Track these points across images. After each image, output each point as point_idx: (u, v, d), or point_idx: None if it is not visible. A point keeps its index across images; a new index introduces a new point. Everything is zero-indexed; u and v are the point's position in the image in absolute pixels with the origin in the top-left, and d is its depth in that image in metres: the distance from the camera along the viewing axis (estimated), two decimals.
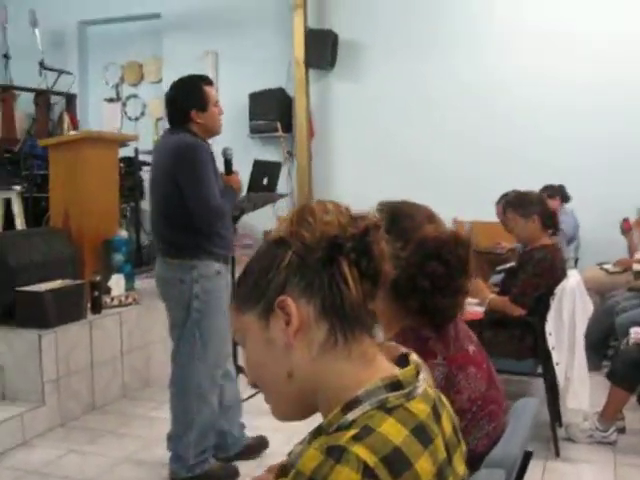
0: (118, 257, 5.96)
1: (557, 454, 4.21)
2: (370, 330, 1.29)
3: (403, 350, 1.43)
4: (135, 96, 9.44)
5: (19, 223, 7.18)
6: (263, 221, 7.52)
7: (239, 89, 8.47)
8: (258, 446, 4.24)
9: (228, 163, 4.11)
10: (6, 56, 8.73)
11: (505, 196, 5.70)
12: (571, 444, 4.37)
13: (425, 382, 1.28)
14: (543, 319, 4.25)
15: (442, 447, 1.22)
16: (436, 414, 1.25)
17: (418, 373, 1.27)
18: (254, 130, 8.56)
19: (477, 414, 1.81)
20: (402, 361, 1.32)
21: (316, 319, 1.23)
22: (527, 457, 2.00)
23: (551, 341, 4.22)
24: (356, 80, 8.31)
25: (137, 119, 9.41)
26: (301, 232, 1.23)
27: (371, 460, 1.07)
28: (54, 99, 9.00)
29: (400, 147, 8.07)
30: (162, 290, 3.96)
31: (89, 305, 5.29)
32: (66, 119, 8.84)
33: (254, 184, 5.03)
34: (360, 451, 1.08)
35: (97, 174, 5.90)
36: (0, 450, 4.34)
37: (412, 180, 7.90)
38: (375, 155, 8.21)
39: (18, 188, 7.05)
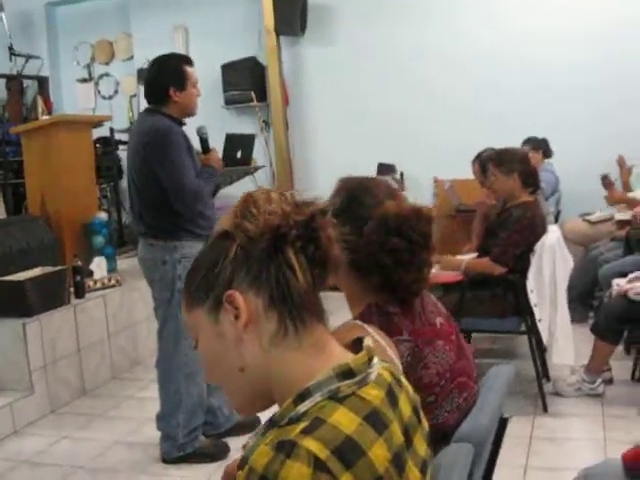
0: (99, 239, 5.94)
1: (545, 409, 4.24)
2: (321, 317, 1.28)
3: (358, 334, 1.43)
4: (107, 75, 9.33)
5: None
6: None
7: (211, 61, 8.35)
8: (249, 423, 4.25)
9: (204, 142, 4.05)
10: None
11: (481, 155, 5.69)
12: (559, 398, 4.40)
13: (380, 366, 1.27)
14: (524, 277, 4.26)
15: (399, 431, 1.21)
16: (392, 398, 1.24)
17: (371, 358, 1.26)
18: (229, 101, 8.48)
19: (446, 387, 1.81)
20: (357, 346, 1.31)
21: (265, 311, 1.22)
22: (503, 424, 2.01)
23: (533, 298, 4.23)
24: (328, 45, 8.23)
25: (111, 97, 9.31)
26: (244, 224, 1.22)
27: (322, 453, 1.07)
28: (26, 83, 8.92)
29: (376, 111, 8.01)
30: (145, 271, 3.95)
31: (72, 290, 5.28)
32: (40, 103, 8.75)
33: (228, 158, 5.00)
34: (310, 444, 1.07)
35: (72, 157, 5.85)
36: None
37: (390, 144, 7.90)
38: (351, 120, 8.14)
39: None
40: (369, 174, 6.86)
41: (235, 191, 6.89)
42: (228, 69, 8.41)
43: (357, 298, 1.90)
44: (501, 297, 4.35)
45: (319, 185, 8.27)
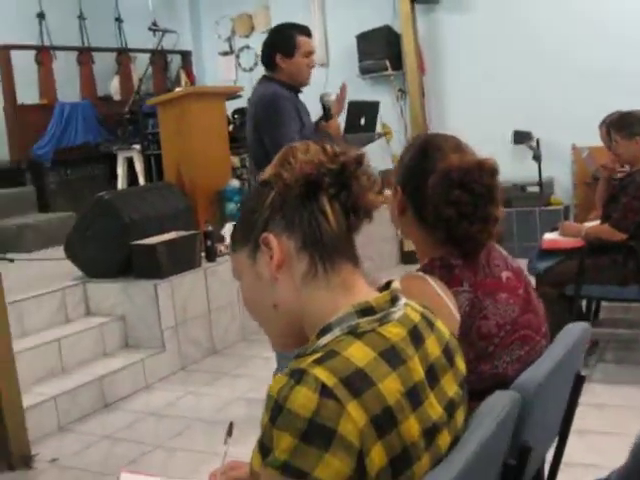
0: (231, 206, 6.16)
1: None
2: (352, 260, 1.34)
3: (417, 285, 1.47)
4: (247, 47, 9.55)
5: (142, 181, 7.50)
6: (378, 163, 7.52)
7: (346, 32, 8.45)
8: None
9: (326, 109, 4.12)
10: (118, 19, 9.03)
11: (606, 119, 5.50)
12: None
13: (407, 307, 1.32)
14: None
15: (419, 368, 1.26)
16: (416, 337, 1.29)
17: (395, 299, 1.31)
18: (364, 71, 8.53)
19: (506, 339, 1.81)
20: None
21: (297, 252, 1.30)
22: (579, 381, 2.00)
23: None
24: (464, 11, 8.11)
25: (251, 70, 9.53)
26: (281, 172, 1.31)
27: (330, 381, 1.13)
28: (170, 57, 9.28)
29: (512, 78, 7.83)
30: None
31: (203, 254, 5.50)
32: (183, 76, 9.10)
33: (350, 125, 5.04)
34: (319, 372, 1.14)
35: (205, 127, 6.07)
36: (124, 394, 4.63)
37: (526, 111, 7.71)
38: (487, 87, 8.00)
39: (138, 147, 7.35)
40: (505, 141, 6.80)
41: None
42: (363, 39, 8.44)
43: (425, 251, 1.94)
44: (621, 264, 4.23)
45: None
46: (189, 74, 9.23)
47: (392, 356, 1.22)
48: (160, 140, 6.47)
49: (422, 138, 2.05)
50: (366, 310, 1.25)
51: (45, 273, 5.64)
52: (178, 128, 5.96)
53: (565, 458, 3.16)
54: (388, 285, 1.36)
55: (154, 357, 4.89)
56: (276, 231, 1.30)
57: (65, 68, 8.37)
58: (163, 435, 4.01)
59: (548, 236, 4.78)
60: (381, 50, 8.38)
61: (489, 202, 1.87)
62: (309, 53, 3.94)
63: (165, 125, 6.14)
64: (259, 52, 9.45)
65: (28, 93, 8.03)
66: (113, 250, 5.18)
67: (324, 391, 1.12)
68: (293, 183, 1.29)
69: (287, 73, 3.88)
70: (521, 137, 7.65)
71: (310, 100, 4.02)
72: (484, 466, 1.44)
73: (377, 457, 1.14)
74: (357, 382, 1.15)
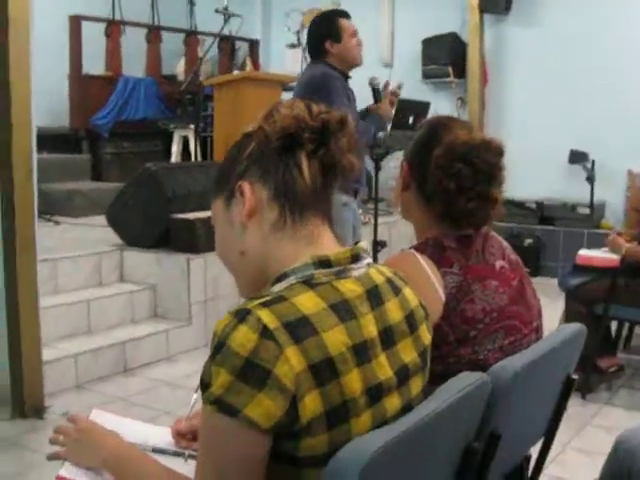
0: None
1: None
2: (322, 215, 1.36)
3: (407, 261, 1.49)
4: None
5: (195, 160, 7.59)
6: None
7: (413, 35, 8.46)
8: None
9: (376, 92, 4.19)
10: (191, 2, 9.15)
11: None
12: None
13: (371, 267, 1.35)
14: None
15: (372, 327, 1.28)
16: (375, 297, 1.31)
17: (357, 257, 1.33)
18: (427, 75, 8.54)
19: (490, 326, 1.81)
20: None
21: (269, 202, 1.33)
22: (569, 382, 1.98)
23: None
24: (532, 26, 8.05)
25: None
26: (264, 126, 1.35)
27: (272, 323, 1.16)
28: (238, 45, 9.38)
29: (575, 96, 7.73)
30: None
31: None
32: (248, 64, 9.18)
33: (398, 122, 5.05)
34: (263, 314, 1.17)
35: (257, 112, 6.10)
36: (145, 361, 4.71)
37: (585, 131, 7.60)
38: (548, 104, 7.92)
39: (192, 127, 7.45)
40: (560, 159, 6.69)
41: None
42: (429, 43, 8.46)
43: (422, 230, 1.96)
44: None
45: (509, 166, 8.15)
46: (255, 62, 9.31)
47: (342, 310, 1.24)
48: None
49: (435, 118, 2.07)
50: (323, 262, 1.27)
51: (86, 237, 5.78)
52: (231, 110, 6.03)
53: (568, 475, 3.15)
54: (356, 244, 1.38)
55: (179, 329, 4.96)
56: (251, 180, 1.34)
57: (133, 43, 8.52)
58: (173, 403, 4.07)
59: (583, 252, 4.73)
60: (445, 56, 8.38)
61: (490, 181, 1.88)
62: (354, 32, 4.03)
63: (219, 106, 6.22)
64: None
65: (94, 64, 8.19)
66: (152, 221, 5.26)
67: (265, 332, 1.15)
68: (272, 135, 1.32)
69: (338, 57, 3.95)
70: (577, 157, 7.56)
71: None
72: (438, 441, 1.44)
73: (312, 404, 1.16)
74: (300, 328, 1.17)
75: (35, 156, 3.84)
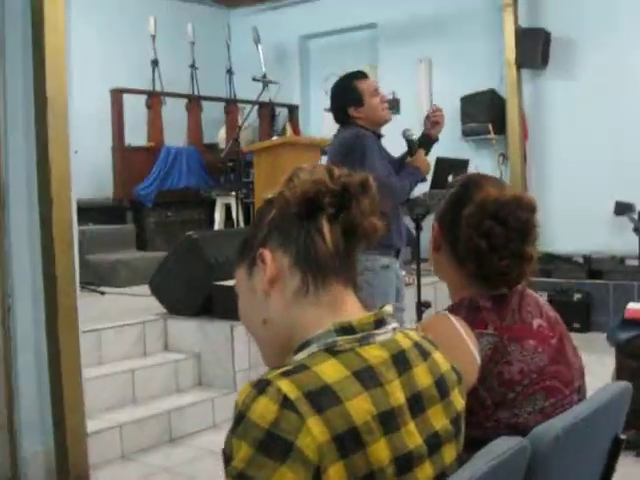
0: None
1: None
2: (345, 281, 1.34)
3: (441, 324, 1.45)
4: None
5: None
6: None
7: (452, 93, 8.48)
8: None
9: (410, 143, 4.11)
10: (229, 71, 9.32)
11: None
12: None
13: (397, 332, 1.31)
14: None
15: (399, 394, 1.24)
16: (402, 362, 1.27)
17: (381, 321, 1.30)
18: (466, 133, 8.54)
19: (529, 387, 1.75)
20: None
21: (290, 269, 1.31)
22: (617, 443, 1.90)
23: None
24: (571, 79, 8.02)
25: None
26: (284, 191, 1.34)
27: (293, 393, 1.13)
28: (278, 110, 9.50)
29: (617, 148, 7.65)
30: None
31: None
32: (289, 129, 9.28)
33: (437, 181, 5.04)
34: (284, 384, 1.14)
35: None
36: (191, 430, 4.67)
37: (629, 182, 7.49)
38: (591, 156, 7.83)
39: (234, 194, 7.52)
40: (606, 212, 6.59)
41: None
42: (467, 101, 8.47)
43: (456, 290, 1.93)
44: None
45: (553, 221, 8.08)
46: (294, 127, 9.40)
47: (367, 377, 1.20)
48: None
49: (465, 176, 2.05)
50: (346, 329, 1.25)
51: (131, 307, 5.82)
52: (270, 175, 6.07)
53: None
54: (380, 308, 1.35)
55: (225, 397, 4.92)
56: (272, 247, 1.32)
57: (174, 113, 8.68)
58: (218, 473, 4.01)
59: (633, 305, 4.63)
60: (485, 113, 8.37)
61: (523, 238, 1.84)
62: (375, 91, 3.99)
63: (259, 172, 6.28)
64: None
65: (136, 135, 8.35)
66: (195, 289, 5.28)
67: (285, 403, 1.12)
68: (292, 200, 1.30)
69: (365, 120, 3.94)
70: (623, 208, 7.46)
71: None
72: None
73: (336, 476, 1.12)
74: (322, 398, 1.14)
75: (76, 228, 3.90)
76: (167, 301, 5.41)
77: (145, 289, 5.95)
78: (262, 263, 1.32)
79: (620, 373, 4.22)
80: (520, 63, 8.04)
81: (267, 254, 1.32)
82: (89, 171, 7.98)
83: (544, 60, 8.03)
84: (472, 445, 1.47)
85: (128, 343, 5.05)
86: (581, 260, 7.70)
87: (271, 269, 1.31)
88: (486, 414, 1.73)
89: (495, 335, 1.78)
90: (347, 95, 3.97)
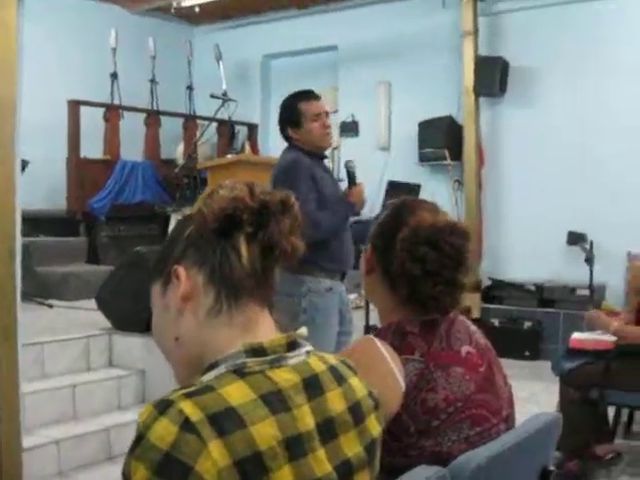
0: None
1: None
2: (260, 300, 1.31)
3: (365, 347, 1.43)
4: None
5: None
6: None
7: (410, 118, 8.53)
8: None
9: (350, 175, 4.10)
10: (190, 87, 9.29)
11: None
12: None
13: (311, 356, 1.29)
14: None
15: (309, 419, 1.21)
16: (313, 387, 1.25)
17: (294, 343, 1.27)
18: (423, 158, 8.58)
19: (455, 415, 1.74)
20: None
21: (205, 287, 1.29)
22: (545, 475, 1.88)
23: None
24: (528, 107, 8.11)
25: None
26: (202, 208, 1.30)
27: (195, 416, 1.10)
28: (237, 128, 9.48)
29: (572, 177, 7.74)
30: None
31: None
32: (247, 148, 9.25)
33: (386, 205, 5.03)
34: (186, 406, 1.11)
35: None
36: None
37: (583, 212, 7.58)
38: (546, 184, 7.92)
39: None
40: (559, 241, 6.60)
41: None
42: (425, 126, 8.52)
43: (386, 314, 1.92)
44: None
45: (508, 248, 8.14)
46: (253, 146, 9.38)
47: (275, 400, 1.17)
48: None
49: (399, 200, 2.04)
50: (256, 350, 1.22)
51: (78, 321, 5.73)
52: None
53: None
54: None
55: None
56: (188, 264, 1.29)
57: (132, 128, 8.60)
58: None
59: (577, 335, 4.65)
60: (442, 139, 8.42)
61: (457, 265, 1.83)
62: (316, 116, 3.95)
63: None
64: None
65: (93, 148, 8.27)
66: (142, 304, 5.19)
67: (186, 425, 1.09)
68: (210, 217, 1.28)
69: (302, 142, 3.92)
70: (575, 238, 7.53)
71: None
72: None
73: None
74: (225, 421, 1.11)
75: (19, 239, 3.80)
76: (113, 316, 5.33)
77: (94, 303, 5.87)
78: (176, 280, 1.29)
79: (562, 403, 4.23)
80: (478, 91, 8.11)
81: (181, 271, 1.29)
82: (43, 182, 7.90)
83: (502, 88, 8.12)
84: (395, 473, 1.46)
85: (72, 357, 4.97)
86: (533, 288, 7.76)
87: (185, 286, 1.28)
88: (410, 441, 1.71)
89: (422, 361, 1.76)
90: (287, 115, 3.97)
